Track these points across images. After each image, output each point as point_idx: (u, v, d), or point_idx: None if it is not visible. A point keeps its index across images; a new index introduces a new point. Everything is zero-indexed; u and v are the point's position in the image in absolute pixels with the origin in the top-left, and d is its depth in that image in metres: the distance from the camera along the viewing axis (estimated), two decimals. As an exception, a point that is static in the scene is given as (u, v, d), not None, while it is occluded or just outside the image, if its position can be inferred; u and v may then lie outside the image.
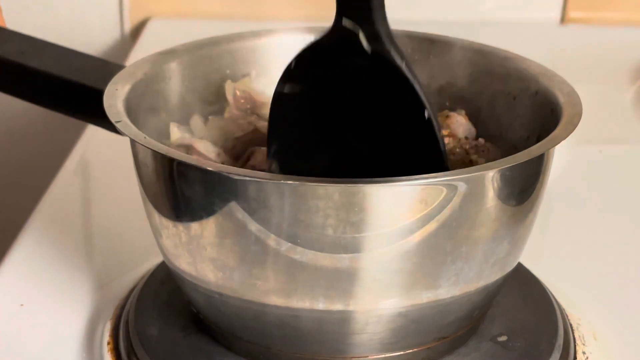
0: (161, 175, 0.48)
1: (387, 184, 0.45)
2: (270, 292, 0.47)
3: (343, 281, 0.46)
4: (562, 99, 0.51)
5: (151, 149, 0.46)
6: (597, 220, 0.71)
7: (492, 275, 0.49)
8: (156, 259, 0.58)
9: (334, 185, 0.44)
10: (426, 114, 0.45)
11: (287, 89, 0.48)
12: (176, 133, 0.54)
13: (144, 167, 0.49)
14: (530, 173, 0.49)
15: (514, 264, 0.52)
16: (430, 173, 0.43)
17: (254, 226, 0.45)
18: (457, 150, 0.52)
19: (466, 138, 0.54)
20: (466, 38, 0.58)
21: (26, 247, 0.65)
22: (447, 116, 0.54)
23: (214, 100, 0.57)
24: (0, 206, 1.11)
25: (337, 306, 0.47)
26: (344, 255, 0.45)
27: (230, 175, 0.45)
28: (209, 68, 0.58)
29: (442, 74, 0.58)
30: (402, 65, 0.45)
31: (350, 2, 0.45)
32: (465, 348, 0.53)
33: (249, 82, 0.58)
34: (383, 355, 0.50)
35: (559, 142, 0.47)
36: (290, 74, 0.48)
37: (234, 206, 0.45)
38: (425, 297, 0.47)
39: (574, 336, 0.56)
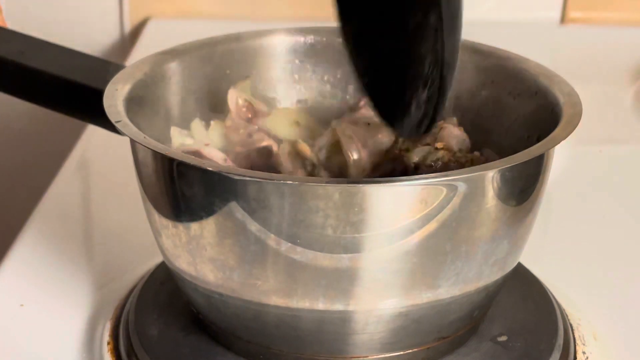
0: (161, 175, 0.48)
1: (387, 184, 0.45)
2: (270, 292, 0.47)
3: (343, 281, 0.46)
4: (562, 99, 0.51)
5: (151, 149, 0.46)
6: (597, 220, 0.71)
7: (492, 275, 0.49)
8: (156, 259, 0.58)
9: (334, 185, 0.44)
10: None
11: None
12: (178, 138, 0.54)
13: (144, 167, 0.49)
14: (530, 173, 0.48)
15: (514, 264, 0.52)
16: None
17: (254, 226, 0.45)
18: (452, 164, 0.52)
19: (460, 150, 0.54)
20: (466, 38, 0.58)
21: (26, 247, 0.65)
22: (441, 128, 0.54)
23: (214, 100, 0.57)
24: (0, 206, 1.10)
25: (337, 306, 0.47)
26: (344, 255, 0.45)
27: (230, 175, 0.45)
28: (209, 68, 0.58)
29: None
30: None
31: None
32: (465, 348, 0.53)
33: (250, 86, 0.58)
34: (383, 355, 0.50)
35: (559, 142, 0.47)
36: None
37: (234, 206, 0.45)
38: (425, 297, 0.47)
39: (574, 336, 0.56)
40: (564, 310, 0.58)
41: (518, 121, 0.54)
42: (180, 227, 0.48)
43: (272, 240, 0.45)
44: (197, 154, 0.52)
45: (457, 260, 0.47)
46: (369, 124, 0.54)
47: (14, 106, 0.85)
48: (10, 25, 0.63)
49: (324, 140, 0.55)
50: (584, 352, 0.55)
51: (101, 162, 0.80)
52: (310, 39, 0.60)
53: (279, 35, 0.60)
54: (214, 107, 0.57)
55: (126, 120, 0.48)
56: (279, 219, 0.45)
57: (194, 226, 0.47)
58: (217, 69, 0.58)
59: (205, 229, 0.47)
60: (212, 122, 0.56)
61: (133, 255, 0.64)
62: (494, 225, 0.47)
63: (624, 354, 0.56)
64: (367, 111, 0.58)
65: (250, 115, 0.57)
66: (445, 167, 0.52)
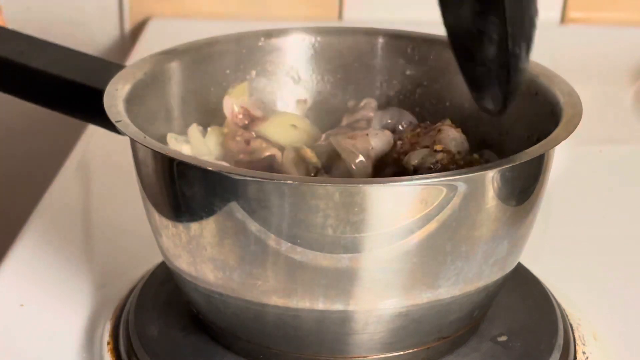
0: (161, 175, 0.48)
1: (387, 184, 0.45)
2: (270, 292, 0.47)
3: (343, 281, 0.46)
4: (562, 99, 0.51)
5: (151, 149, 0.46)
6: (597, 220, 0.71)
7: (492, 275, 0.49)
8: (156, 259, 0.58)
9: (334, 185, 0.44)
10: None
11: None
12: (174, 145, 0.54)
13: (144, 167, 0.49)
14: (530, 173, 0.49)
15: (514, 264, 0.52)
16: None
17: (254, 226, 0.45)
18: (452, 167, 0.52)
19: (459, 153, 0.54)
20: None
21: (26, 247, 0.65)
22: (439, 130, 0.54)
23: (213, 100, 0.57)
24: (0, 206, 1.11)
25: (337, 306, 0.47)
26: (344, 255, 0.45)
27: (230, 175, 0.45)
28: (209, 68, 0.58)
29: (442, 74, 0.58)
30: None
31: None
32: (465, 348, 0.53)
33: (247, 89, 0.58)
34: (383, 355, 0.50)
35: (559, 142, 0.47)
36: None
37: (234, 206, 0.45)
38: (425, 297, 0.47)
39: (574, 336, 0.56)
40: (564, 310, 0.58)
41: (518, 121, 0.54)
42: (180, 227, 0.48)
43: (272, 240, 0.45)
44: None
45: (457, 260, 0.47)
46: (367, 134, 0.54)
47: (14, 106, 0.85)
48: (10, 25, 0.63)
49: (323, 148, 0.55)
50: (584, 352, 0.55)
51: (101, 162, 0.80)
52: (310, 39, 0.60)
53: (280, 35, 0.60)
54: (213, 107, 0.57)
55: (126, 120, 0.48)
56: (279, 219, 0.45)
57: (194, 226, 0.47)
58: (217, 69, 0.58)
59: (205, 229, 0.47)
60: (209, 129, 0.56)
61: (133, 255, 0.64)
62: (494, 225, 0.47)
63: (624, 354, 0.56)
64: (366, 112, 0.58)
65: (247, 122, 0.57)
66: (444, 169, 0.52)
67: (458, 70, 0.51)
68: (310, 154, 0.53)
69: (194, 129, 0.55)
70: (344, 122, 0.59)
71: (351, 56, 0.60)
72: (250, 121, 0.57)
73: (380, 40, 0.60)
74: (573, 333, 0.56)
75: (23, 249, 0.65)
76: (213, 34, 0.59)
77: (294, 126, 0.57)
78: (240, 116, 0.57)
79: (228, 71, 0.59)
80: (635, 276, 0.64)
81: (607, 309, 0.59)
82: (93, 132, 0.81)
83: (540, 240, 0.57)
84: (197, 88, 0.57)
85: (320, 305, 0.47)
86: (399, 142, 0.54)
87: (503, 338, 0.53)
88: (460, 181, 0.45)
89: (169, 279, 0.55)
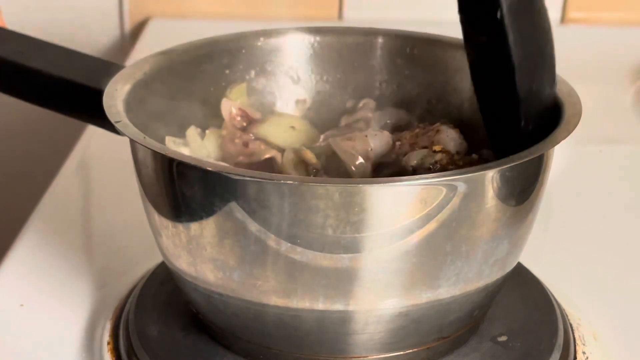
0: (161, 175, 0.48)
1: (387, 184, 0.45)
2: (270, 292, 0.47)
3: (343, 281, 0.46)
4: (562, 99, 0.51)
5: (151, 149, 0.46)
6: (597, 220, 0.71)
7: (492, 275, 0.49)
8: (156, 259, 0.58)
9: (334, 185, 0.44)
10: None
11: None
12: (172, 147, 0.54)
13: (144, 167, 0.49)
14: (530, 173, 0.48)
15: (514, 264, 0.52)
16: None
17: (254, 226, 0.45)
18: (451, 167, 0.52)
19: (458, 153, 0.54)
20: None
21: (26, 247, 0.65)
22: (438, 131, 0.54)
23: (213, 101, 0.57)
24: (0, 206, 1.10)
25: (337, 306, 0.47)
26: (344, 255, 0.45)
27: (230, 175, 0.45)
28: (209, 68, 0.58)
29: (441, 74, 0.58)
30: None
31: None
32: (465, 348, 0.53)
33: (246, 89, 0.58)
34: (383, 355, 0.50)
35: (559, 142, 0.47)
36: None
37: (234, 206, 0.45)
38: (425, 297, 0.47)
39: (574, 336, 0.56)
40: (564, 310, 0.58)
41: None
42: (180, 227, 0.48)
43: (272, 240, 0.45)
44: None
45: (457, 260, 0.47)
46: (366, 135, 0.54)
47: (14, 106, 0.85)
48: (10, 25, 0.63)
49: (322, 149, 0.55)
50: (584, 352, 0.55)
51: (101, 162, 0.80)
52: (310, 38, 0.60)
53: (279, 35, 0.60)
54: (213, 107, 0.57)
55: (126, 120, 0.48)
56: (279, 219, 0.45)
57: (194, 226, 0.47)
58: (217, 69, 0.58)
59: (205, 229, 0.47)
60: (207, 131, 0.56)
61: (133, 255, 0.64)
62: (493, 225, 0.47)
63: (624, 354, 0.56)
64: (365, 113, 0.58)
65: (245, 124, 0.57)
66: (443, 169, 0.52)
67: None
68: (310, 155, 0.53)
69: (193, 131, 0.55)
70: (343, 122, 0.59)
71: (351, 56, 0.60)
72: (249, 123, 0.57)
73: (380, 40, 0.60)
74: (573, 333, 0.56)
75: (23, 249, 0.65)
76: (213, 34, 0.59)
77: (292, 127, 0.57)
78: (239, 118, 0.57)
79: (227, 71, 0.59)
80: (635, 276, 0.64)
81: (607, 309, 0.59)
82: (93, 132, 0.81)
83: (540, 240, 0.57)
84: (197, 88, 0.57)
85: (320, 305, 0.47)
86: (397, 143, 0.54)
87: (503, 338, 0.53)
88: (460, 181, 0.45)
89: (169, 279, 0.55)
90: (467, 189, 0.45)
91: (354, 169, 0.53)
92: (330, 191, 0.43)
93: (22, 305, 0.59)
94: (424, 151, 0.53)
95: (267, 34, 0.60)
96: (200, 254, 0.48)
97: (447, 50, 0.58)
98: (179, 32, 0.85)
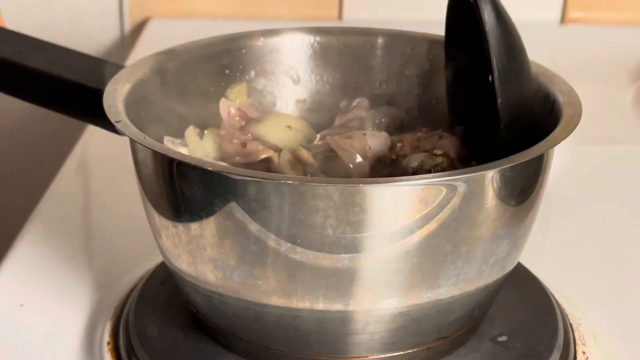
0: (161, 175, 0.48)
1: (387, 184, 0.45)
2: (271, 292, 0.47)
3: (343, 281, 0.46)
4: (562, 99, 0.51)
5: (151, 149, 0.46)
6: (597, 220, 0.71)
7: (492, 275, 0.49)
8: (156, 259, 0.58)
9: (334, 185, 0.44)
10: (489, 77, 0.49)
11: None
12: (171, 147, 0.54)
13: (144, 167, 0.49)
14: (530, 173, 0.48)
15: (514, 264, 0.52)
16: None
17: (254, 226, 0.45)
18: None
19: (458, 160, 0.54)
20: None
21: (26, 247, 0.65)
22: (441, 136, 0.54)
23: (213, 101, 0.57)
24: (0, 206, 1.11)
25: (337, 306, 0.47)
26: (344, 255, 0.45)
27: (230, 175, 0.45)
28: (209, 68, 0.58)
29: (442, 74, 0.58)
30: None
31: None
32: (465, 348, 0.53)
33: (246, 89, 0.58)
34: (383, 355, 0.50)
35: (559, 142, 0.47)
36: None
37: (234, 206, 0.45)
38: (425, 297, 0.47)
39: (574, 336, 0.56)
40: (564, 310, 0.58)
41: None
42: (180, 227, 0.48)
43: (272, 240, 0.45)
44: None
45: (457, 260, 0.47)
46: (364, 134, 0.54)
47: (14, 106, 0.85)
48: (10, 25, 0.63)
49: (319, 149, 0.55)
50: (584, 352, 0.55)
51: (101, 162, 0.80)
52: (310, 39, 0.60)
53: (279, 35, 0.60)
54: (213, 107, 0.57)
55: (126, 120, 0.48)
56: (279, 219, 0.45)
57: (194, 226, 0.47)
58: (217, 69, 0.58)
59: (205, 229, 0.47)
60: (205, 131, 0.56)
61: (133, 255, 0.64)
62: (494, 225, 0.47)
63: (624, 354, 0.56)
64: (359, 112, 0.58)
65: (243, 123, 0.57)
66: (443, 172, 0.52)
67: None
68: (306, 155, 0.53)
69: (191, 131, 0.55)
70: (337, 122, 0.59)
71: (351, 56, 0.60)
72: (247, 122, 0.57)
73: (380, 40, 0.60)
74: (573, 333, 0.56)
75: (23, 249, 0.65)
76: (213, 34, 0.59)
77: (289, 127, 0.57)
78: (237, 118, 0.57)
79: (227, 71, 0.59)
80: (635, 276, 0.64)
81: (607, 309, 0.59)
82: (93, 132, 0.81)
83: (540, 240, 0.57)
84: (197, 88, 0.57)
85: (320, 305, 0.47)
86: (398, 144, 0.54)
87: (503, 338, 0.53)
88: (460, 181, 0.45)
89: (169, 279, 0.55)
90: (467, 189, 0.45)
91: (352, 166, 0.53)
92: (330, 191, 0.43)
93: (22, 305, 0.59)
94: (425, 154, 0.53)
95: (267, 34, 0.60)
96: (200, 254, 0.48)
97: (447, 50, 0.58)
98: (179, 32, 0.85)
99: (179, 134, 0.55)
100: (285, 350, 0.50)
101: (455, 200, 0.45)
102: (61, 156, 0.79)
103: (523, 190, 0.48)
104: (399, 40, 0.60)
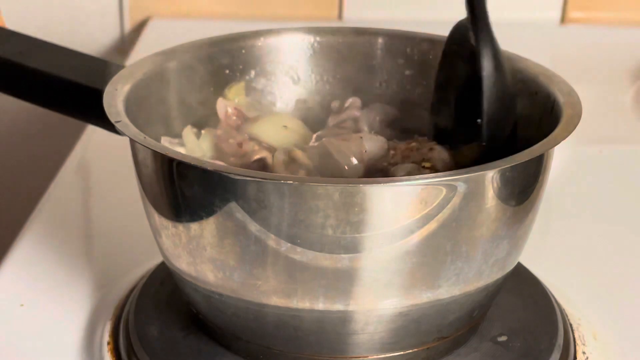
0: (161, 175, 0.48)
1: (387, 184, 0.45)
2: (270, 292, 0.47)
3: (343, 281, 0.46)
4: (562, 99, 0.51)
5: (151, 149, 0.46)
6: (597, 221, 0.71)
7: (492, 275, 0.49)
8: (156, 259, 0.58)
9: (334, 185, 0.44)
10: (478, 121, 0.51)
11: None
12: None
13: (144, 167, 0.49)
14: (530, 173, 0.49)
15: (514, 264, 0.52)
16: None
17: (254, 226, 0.45)
18: None
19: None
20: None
21: (26, 247, 0.65)
22: (432, 149, 0.54)
23: (213, 101, 0.57)
24: (0, 206, 1.11)
25: (337, 306, 0.47)
26: (344, 255, 0.45)
27: (230, 175, 0.45)
28: (209, 68, 0.58)
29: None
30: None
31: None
32: (465, 348, 0.53)
33: (244, 88, 0.58)
34: (383, 355, 0.50)
35: (559, 142, 0.47)
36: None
37: (234, 206, 0.45)
38: (425, 297, 0.47)
39: (574, 336, 0.56)
40: (564, 310, 0.58)
41: (517, 121, 0.54)
42: (180, 227, 0.48)
43: (272, 240, 0.45)
44: None
45: (457, 260, 0.47)
46: (361, 137, 0.54)
47: (14, 106, 0.85)
48: (10, 25, 0.63)
49: (315, 151, 0.55)
50: (584, 352, 0.55)
51: (101, 162, 0.80)
52: (310, 38, 0.60)
53: (279, 35, 0.60)
54: (213, 107, 0.57)
55: (126, 120, 0.48)
56: (279, 219, 0.45)
57: (194, 226, 0.47)
58: (217, 69, 0.58)
59: (205, 229, 0.47)
60: (203, 131, 0.56)
61: (133, 255, 0.64)
62: (493, 225, 0.47)
63: (624, 354, 0.56)
64: (352, 112, 0.58)
65: (240, 123, 0.57)
66: None
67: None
68: (301, 156, 0.53)
69: (189, 131, 0.55)
70: (330, 122, 0.59)
71: (351, 56, 0.60)
72: (244, 122, 0.57)
73: (380, 40, 0.60)
74: (573, 333, 0.56)
75: (23, 249, 0.65)
76: (213, 34, 0.59)
77: (284, 127, 0.57)
78: (234, 117, 0.57)
79: (227, 71, 0.59)
80: (635, 276, 0.64)
81: (607, 309, 0.59)
82: (93, 132, 0.81)
83: (540, 240, 0.57)
84: (197, 88, 0.57)
85: (320, 305, 0.47)
86: (391, 152, 0.54)
87: (503, 338, 0.53)
88: (460, 181, 0.45)
89: (169, 279, 0.55)
90: (467, 189, 0.45)
91: (347, 169, 0.52)
92: (330, 191, 0.43)
93: (22, 305, 0.59)
94: (413, 165, 0.52)
95: (267, 34, 0.60)
96: (200, 254, 0.48)
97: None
98: (179, 32, 0.85)
99: (179, 134, 0.55)
100: (285, 350, 0.50)
101: (455, 200, 0.45)
102: (61, 156, 0.79)
103: (523, 190, 0.48)
104: (399, 40, 0.60)
